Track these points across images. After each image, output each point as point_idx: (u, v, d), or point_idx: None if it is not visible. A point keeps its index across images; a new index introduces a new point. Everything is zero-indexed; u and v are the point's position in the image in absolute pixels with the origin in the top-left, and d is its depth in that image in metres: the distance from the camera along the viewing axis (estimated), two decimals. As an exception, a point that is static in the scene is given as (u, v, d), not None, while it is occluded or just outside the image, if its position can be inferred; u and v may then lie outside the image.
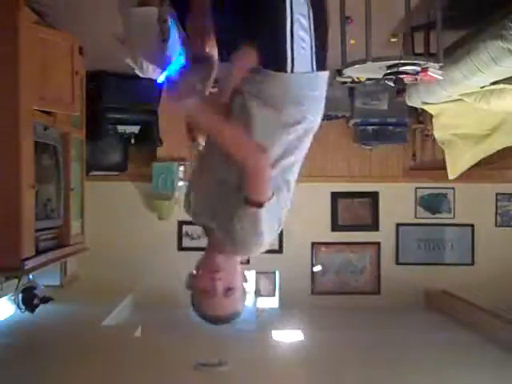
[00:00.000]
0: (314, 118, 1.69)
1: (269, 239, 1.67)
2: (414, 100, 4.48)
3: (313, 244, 5.80)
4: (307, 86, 1.64)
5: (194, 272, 1.77)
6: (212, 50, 1.80)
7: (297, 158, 1.69)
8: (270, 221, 1.61)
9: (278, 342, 4.02)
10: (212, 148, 1.68)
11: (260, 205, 1.55)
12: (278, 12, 1.60)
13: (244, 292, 1.76)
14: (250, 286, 1.85)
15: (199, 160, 1.79)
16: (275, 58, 1.61)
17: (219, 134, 1.59)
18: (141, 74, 3.49)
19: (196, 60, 1.75)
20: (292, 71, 1.61)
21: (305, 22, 1.62)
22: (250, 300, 6.25)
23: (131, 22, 3.12)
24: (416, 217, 5.94)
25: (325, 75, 1.70)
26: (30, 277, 3.81)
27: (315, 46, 1.64)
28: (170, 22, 2.14)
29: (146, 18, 2.89)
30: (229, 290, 1.68)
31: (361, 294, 5.82)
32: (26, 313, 3.83)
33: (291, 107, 1.63)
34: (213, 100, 1.70)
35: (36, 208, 3.32)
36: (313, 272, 5.79)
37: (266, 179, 1.56)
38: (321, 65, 1.68)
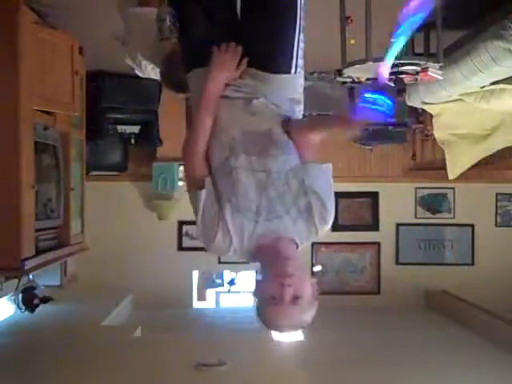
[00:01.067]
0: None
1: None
2: (414, 100, 4.48)
3: (313, 244, 5.79)
4: (301, 83, 1.83)
5: (260, 278, 1.66)
6: None
7: None
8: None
9: (277, 342, 4.01)
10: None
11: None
12: (292, 20, 1.75)
13: (313, 304, 1.66)
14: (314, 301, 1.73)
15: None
16: (285, 63, 1.76)
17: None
18: (140, 74, 3.50)
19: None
20: (296, 72, 1.77)
21: (303, 23, 1.78)
22: (250, 300, 6.26)
23: (130, 22, 3.12)
24: (416, 217, 5.95)
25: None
26: (30, 277, 3.81)
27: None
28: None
29: (145, 18, 2.89)
30: (297, 299, 1.59)
31: (361, 294, 5.82)
32: (26, 313, 3.83)
33: (296, 106, 1.81)
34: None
35: (36, 208, 3.32)
36: (313, 272, 5.80)
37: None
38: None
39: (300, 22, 1.75)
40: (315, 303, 1.67)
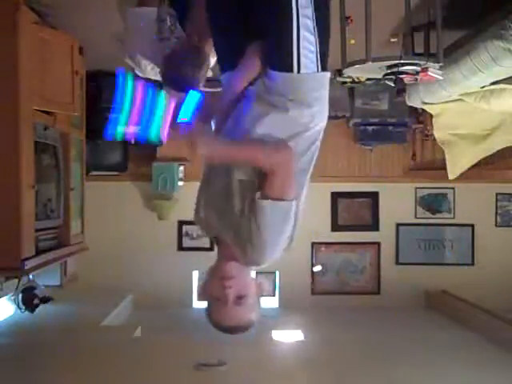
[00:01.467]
0: (322, 119, 1.72)
1: (282, 245, 1.67)
2: (413, 100, 4.48)
3: (313, 244, 5.79)
4: (314, 86, 1.68)
5: (205, 281, 1.72)
6: (207, 47, 1.81)
7: (308, 161, 1.74)
8: (285, 222, 1.62)
9: (277, 342, 4.02)
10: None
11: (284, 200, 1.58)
12: (285, 14, 1.64)
13: (258, 301, 1.71)
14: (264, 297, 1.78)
15: (207, 168, 1.75)
16: (282, 60, 1.65)
17: (237, 158, 1.62)
18: (140, 74, 3.49)
19: (192, 49, 1.76)
20: (298, 71, 1.64)
21: (310, 23, 1.66)
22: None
23: (130, 22, 3.12)
24: (416, 217, 5.94)
25: (328, 75, 1.73)
26: (30, 277, 3.81)
27: (320, 47, 1.68)
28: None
29: (145, 18, 2.89)
30: (240, 298, 1.63)
31: (361, 294, 5.82)
32: (26, 313, 3.83)
33: (299, 108, 1.65)
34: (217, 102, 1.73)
35: (36, 208, 3.32)
36: (313, 272, 5.80)
37: (291, 173, 1.60)
38: (324, 66, 1.71)
39: (298, 17, 1.64)
40: (259, 301, 1.72)
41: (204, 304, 1.74)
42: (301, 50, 1.64)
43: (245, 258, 1.65)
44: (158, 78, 3.29)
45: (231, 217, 1.62)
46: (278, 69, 1.66)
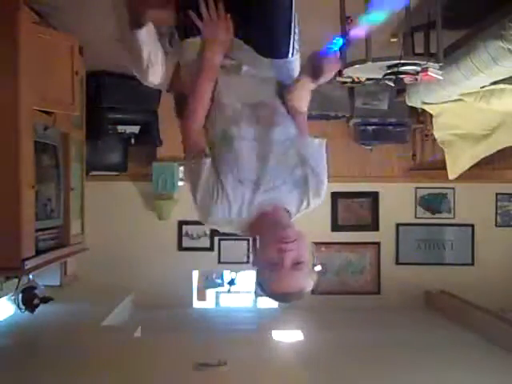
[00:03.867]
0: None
1: None
2: (413, 100, 4.48)
3: (313, 244, 5.78)
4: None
5: (260, 247, 1.67)
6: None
7: None
8: None
9: (277, 342, 4.01)
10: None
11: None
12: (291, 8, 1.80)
13: (312, 271, 1.71)
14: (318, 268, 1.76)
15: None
16: (282, 50, 1.81)
17: None
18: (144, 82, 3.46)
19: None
20: (292, 56, 1.83)
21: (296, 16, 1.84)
22: (250, 300, 6.26)
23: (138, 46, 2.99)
24: (416, 217, 5.94)
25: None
26: (30, 277, 3.81)
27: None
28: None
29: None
30: (298, 264, 1.61)
31: (361, 294, 5.82)
32: (26, 313, 3.83)
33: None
34: None
35: (36, 208, 3.32)
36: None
37: None
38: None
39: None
40: (315, 272, 1.73)
41: (255, 273, 1.68)
42: (295, 38, 1.83)
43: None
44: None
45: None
46: (280, 57, 1.82)
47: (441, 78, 3.47)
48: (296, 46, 1.85)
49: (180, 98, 1.96)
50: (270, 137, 1.68)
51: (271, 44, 1.80)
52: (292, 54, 1.83)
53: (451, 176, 4.88)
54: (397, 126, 5.56)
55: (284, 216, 1.69)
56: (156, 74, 2.01)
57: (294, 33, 1.82)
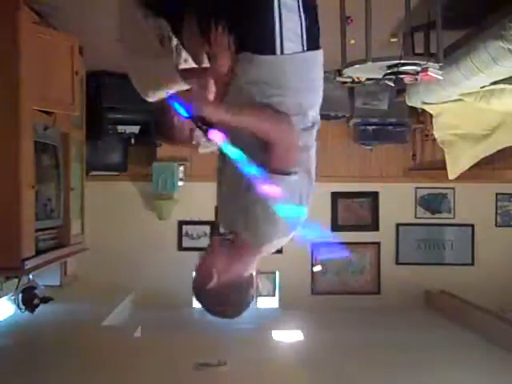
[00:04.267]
0: (312, 108, 1.68)
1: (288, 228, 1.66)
2: (413, 100, 4.48)
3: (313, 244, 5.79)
4: (300, 68, 1.61)
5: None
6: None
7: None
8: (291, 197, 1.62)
9: (277, 342, 4.01)
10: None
11: (285, 173, 1.60)
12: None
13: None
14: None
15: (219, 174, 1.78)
16: (264, 42, 1.58)
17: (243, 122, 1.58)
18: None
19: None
20: (282, 53, 1.58)
21: (292, 2, 1.60)
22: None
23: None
24: (416, 217, 5.94)
25: (318, 54, 1.67)
26: (30, 277, 3.81)
27: (305, 25, 1.61)
28: None
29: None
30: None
31: (361, 294, 5.82)
32: (26, 313, 3.83)
33: (287, 94, 1.60)
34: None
35: (36, 208, 3.32)
36: (313, 272, 5.79)
37: (295, 146, 1.63)
38: (314, 44, 1.65)
39: None
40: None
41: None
42: (284, 30, 1.57)
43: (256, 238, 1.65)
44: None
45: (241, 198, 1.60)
46: (261, 52, 1.58)
47: (441, 78, 3.47)
48: (289, 45, 1.60)
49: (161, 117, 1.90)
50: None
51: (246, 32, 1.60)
52: (281, 49, 1.58)
53: (451, 176, 4.88)
54: (397, 126, 5.56)
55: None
56: (156, 98, 1.98)
57: (281, 24, 1.57)
